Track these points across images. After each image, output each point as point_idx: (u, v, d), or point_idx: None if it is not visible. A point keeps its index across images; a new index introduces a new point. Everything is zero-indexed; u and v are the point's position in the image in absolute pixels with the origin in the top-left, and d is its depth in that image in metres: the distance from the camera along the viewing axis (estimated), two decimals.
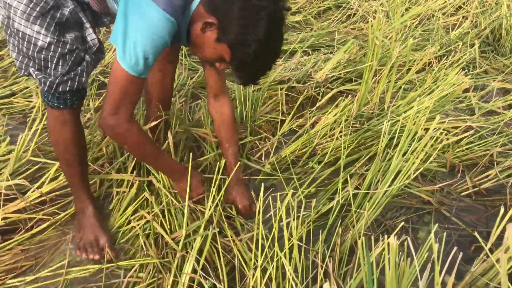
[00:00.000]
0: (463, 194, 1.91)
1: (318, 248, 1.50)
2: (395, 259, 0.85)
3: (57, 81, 1.31)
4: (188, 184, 1.48)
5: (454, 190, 1.92)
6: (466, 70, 2.69)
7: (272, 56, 1.33)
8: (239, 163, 1.73)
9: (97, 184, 1.76)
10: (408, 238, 0.94)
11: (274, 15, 1.22)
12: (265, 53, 1.26)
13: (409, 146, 1.65)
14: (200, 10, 1.25)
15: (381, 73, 2.30)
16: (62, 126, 1.44)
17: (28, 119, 2.08)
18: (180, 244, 1.45)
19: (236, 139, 1.75)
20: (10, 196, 1.65)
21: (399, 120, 1.92)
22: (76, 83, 1.34)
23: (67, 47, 1.29)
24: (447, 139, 1.93)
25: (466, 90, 2.49)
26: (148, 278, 1.44)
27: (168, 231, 1.55)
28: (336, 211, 1.67)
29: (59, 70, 1.31)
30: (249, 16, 1.19)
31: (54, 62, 1.29)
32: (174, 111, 1.97)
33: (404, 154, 1.62)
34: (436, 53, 2.78)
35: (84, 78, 1.36)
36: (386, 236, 0.87)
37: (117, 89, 1.28)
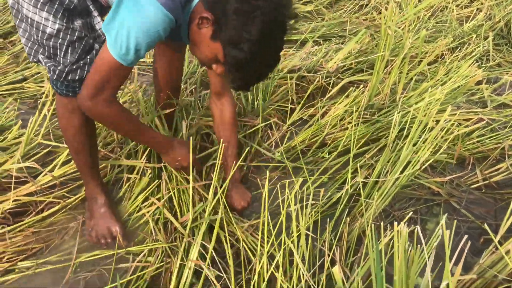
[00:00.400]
0: (473, 186, 1.90)
1: (325, 237, 1.50)
2: (404, 245, 0.85)
3: (66, 69, 1.31)
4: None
5: (464, 183, 1.91)
6: (479, 63, 2.66)
7: (267, 61, 1.29)
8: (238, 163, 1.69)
9: (107, 169, 1.77)
10: (418, 227, 0.94)
11: (273, 18, 1.20)
12: (260, 56, 1.22)
13: (420, 138, 1.64)
14: (199, 7, 1.25)
15: (392, 64, 2.28)
16: (70, 113, 1.43)
17: (39, 101, 2.09)
18: (187, 228, 1.45)
19: (235, 140, 1.71)
20: (21, 179, 1.67)
21: (410, 112, 1.90)
22: (85, 72, 1.33)
23: (76, 34, 1.29)
24: (458, 130, 1.92)
25: (478, 83, 2.47)
26: (157, 262, 1.45)
27: (179, 214, 1.56)
28: (345, 201, 1.67)
29: (68, 58, 1.30)
30: (244, 14, 1.17)
31: (63, 50, 1.29)
32: (182, 99, 1.98)
33: (414, 145, 1.61)
34: (449, 44, 2.75)
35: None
36: (395, 223, 0.87)
37: (101, 74, 1.26)
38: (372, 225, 1.00)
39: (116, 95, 1.35)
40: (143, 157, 1.71)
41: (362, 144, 1.99)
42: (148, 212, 1.59)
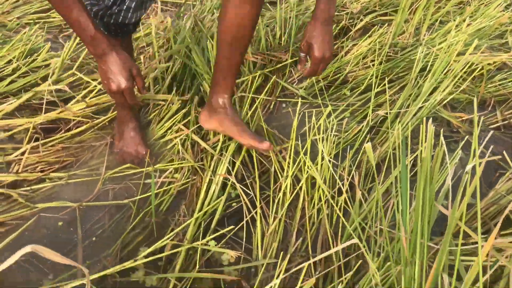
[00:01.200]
0: (491, 126, 1.92)
1: (345, 164, 1.55)
2: (431, 141, 0.89)
3: (101, 12, 1.25)
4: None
5: (483, 123, 1.93)
6: (507, 3, 2.62)
7: None
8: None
9: None
10: (441, 130, 0.97)
11: None
12: None
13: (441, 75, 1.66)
14: None
15: (418, 3, 2.26)
16: None
17: (64, 31, 2.12)
18: (218, 148, 1.50)
19: None
20: (51, 100, 1.72)
21: (433, 51, 1.91)
22: (121, 17, 1.28)
23: None
24: (483, 65, 1.91)
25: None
26: (183, 178, 1.51)
27: (211, 134, 1.61)
28: (365, 132, 1.70)
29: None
30: None
31: None
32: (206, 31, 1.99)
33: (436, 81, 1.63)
34: None
35: (130, 14, 1.28)
36: (424, 120, 0.90)
37: None
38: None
39: None
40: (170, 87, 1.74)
41: (384, 82, 2.00)
42: (175, 137, 1.64)
